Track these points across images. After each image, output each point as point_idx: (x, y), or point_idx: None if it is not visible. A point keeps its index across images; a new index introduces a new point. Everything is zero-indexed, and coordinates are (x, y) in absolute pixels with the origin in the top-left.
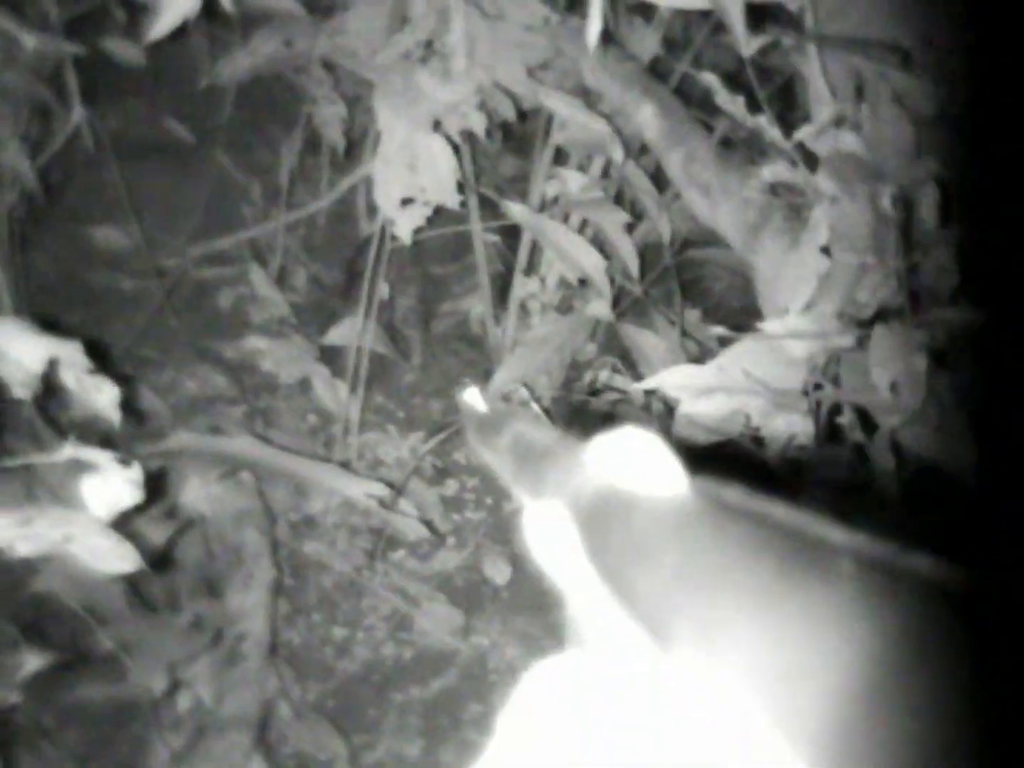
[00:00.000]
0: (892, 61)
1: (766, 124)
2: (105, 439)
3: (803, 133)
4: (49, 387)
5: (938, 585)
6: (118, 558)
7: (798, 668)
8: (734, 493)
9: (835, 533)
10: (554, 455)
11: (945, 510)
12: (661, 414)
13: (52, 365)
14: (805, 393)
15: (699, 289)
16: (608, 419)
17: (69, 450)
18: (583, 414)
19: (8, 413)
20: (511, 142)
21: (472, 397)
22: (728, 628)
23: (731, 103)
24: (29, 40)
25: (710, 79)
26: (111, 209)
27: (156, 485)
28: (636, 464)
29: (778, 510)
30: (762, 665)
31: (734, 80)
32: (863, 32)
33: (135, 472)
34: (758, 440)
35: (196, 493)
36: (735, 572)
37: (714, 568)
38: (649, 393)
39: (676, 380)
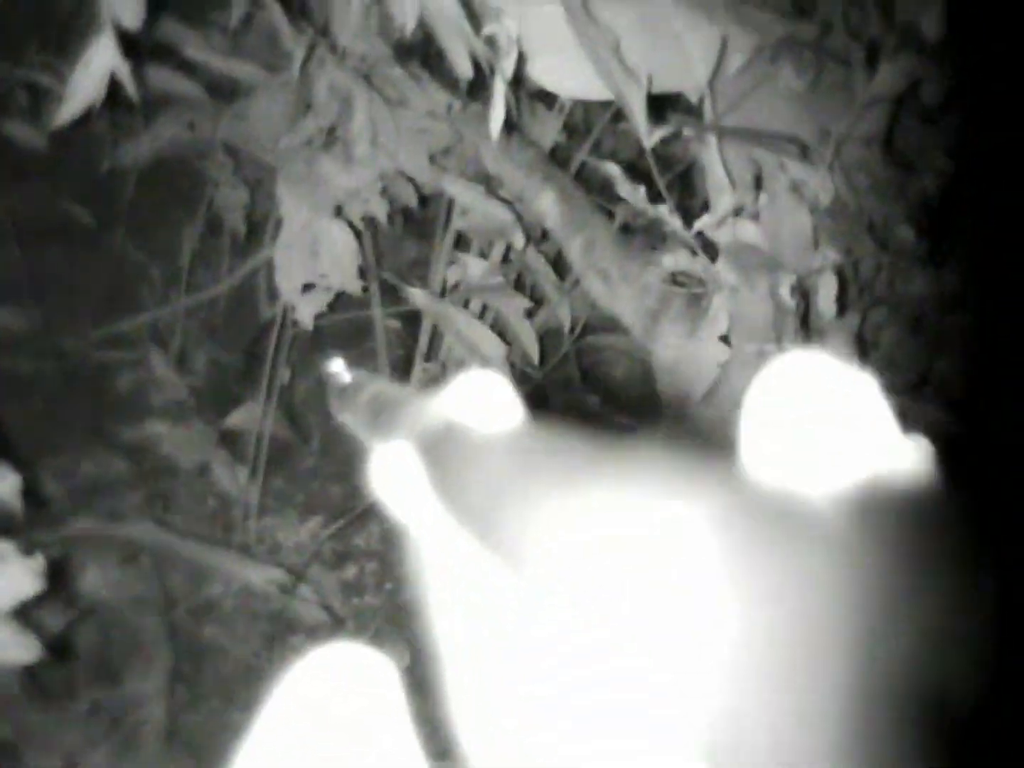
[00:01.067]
0: (791, 152)
1: (667, 214)
2: (2, 525)
3: (703, 223)
4: None
5: None
6: (18, 648)
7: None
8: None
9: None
10: (406, 404)
11: None
12: None
13: None
14: None
15: (598, 375)
16: None
17: None
18: None
19: None
20: (412, 226)
21: (337, 367)
22: (550, 534)
23: (632, 193)
24: None
25: (611, 169)
26: (10, 291)
27: (54, 571)
28: (479, 402)
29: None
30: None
31: (634, 167)
32: (762, 123)
33: (37, 562)
34: None
35: (94, 578)
36: (555, 479)
37: (538, 478)
38: None
39: None
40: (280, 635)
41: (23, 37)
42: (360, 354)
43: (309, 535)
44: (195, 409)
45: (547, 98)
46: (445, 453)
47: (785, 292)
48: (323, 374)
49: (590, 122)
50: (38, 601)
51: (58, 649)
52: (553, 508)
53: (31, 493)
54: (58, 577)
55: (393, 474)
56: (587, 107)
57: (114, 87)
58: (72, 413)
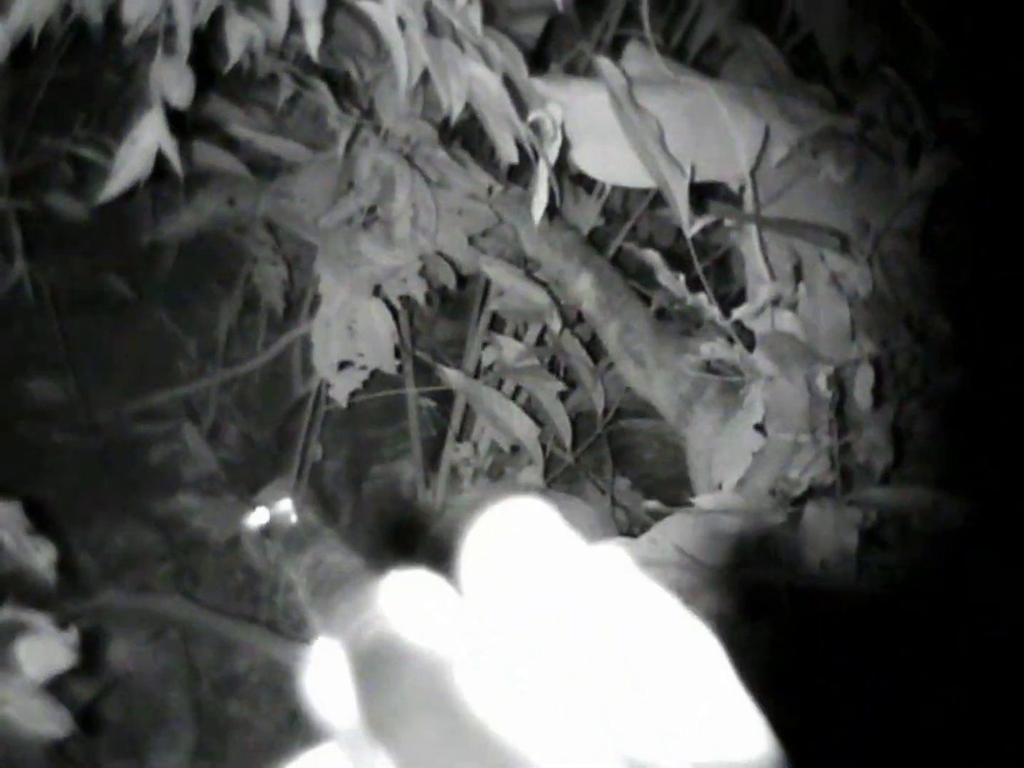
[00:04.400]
0: (830, 244)
1: (705, 303)
2: (35, 595)
3: (741, 312)
4: None
5: None
6: (52, 721)
7: None
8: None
9: None
10: (346, 587)
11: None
12: None
13: None
14: (735, 569)
15: (629, 458)
16: None
17: (7, 612)
18: None
19: None
20: (447, 306)
21: (282, 502)
22: None
23: (672, 281)
24: None
25: (651, 256)
26: (47, 362)
27: (84, 643)
28: (418, 609)
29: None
30: None
31: (670, 253)
32: (803, 214)
33: (71, 635)
34: None
35: (122, 651)
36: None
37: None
38: None
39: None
40: (304, 711)
41: (68, 111)
42: (394, 433)
43: None
44: (227, 483)
45: (586, 183)
46: (376, 673)
47: (821, 382)
48: (270, 512)
49: (628, 207)
50: (69, 673)
51: (84, 722)
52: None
53: (63, 565)
54: (86, 648)
55: (322, 677)
56: (625, 192)
57: (158, 162)
58: (104, 485)
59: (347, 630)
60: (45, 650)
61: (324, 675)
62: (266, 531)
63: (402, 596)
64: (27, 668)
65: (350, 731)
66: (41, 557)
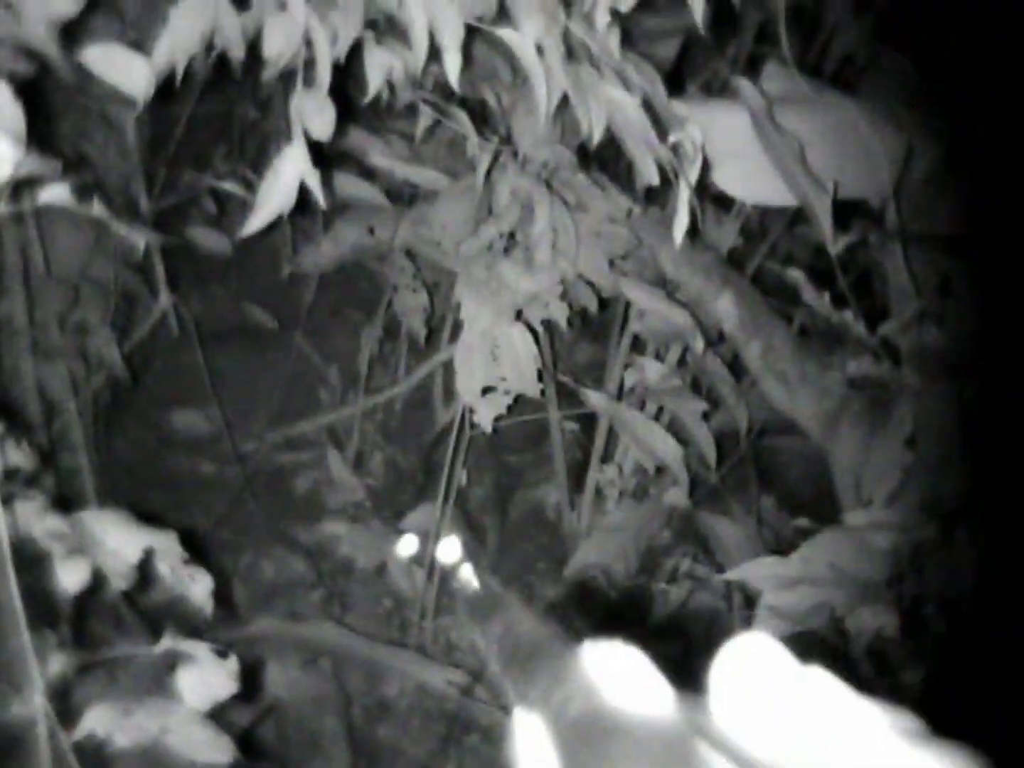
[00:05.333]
0: (975, 256)
1: (851, 319)
2: (192, 625)
3: (888, 328)
4: (142, 576)
5: None
6: (214, 750)
7: None
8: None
9: None
10: (542, 659)
11: None
12: (740, 605)
13: (147, 554)
14: (889, 585)
15: (774, 477)
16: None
17: (168, 641)
18: (661, 603)
19: (96, 603)
20: (588, 329)
21: (466, 576)
22: None
23: (816, 299)
24: (120, 230)
25: (795, 276)
26: (192, 393)
27: (241, 671)
28: (621, 683)
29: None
30: None
31: (811, 270)
32: (946, 228)
33: (231, 664)
34: (842, 632)
35: (275, 678)
36: None
37: None
38: (728, 582)
39: (760, 571)
40: (455, 736)
41: (209, 146)
42: (537, 458)
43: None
44: (372, 510)
45: (725, 202)
46: (585, 748)
47: (971, 396)
48: (450, 581)
49: (766, 226)
50: (227, 700)
51: (243, 748)
52: None
53: (216, 594)
54: (244, 677)
55: (531, 750)
56: (763, 212)
57: (300, 193)
58: (252, 514)
59: (550, 702)
60: (205, 679)
61: (530, 748)
62: (415, 559)
63: (602, 668)
64: (188, 697)
65: None
66: (198, 587)
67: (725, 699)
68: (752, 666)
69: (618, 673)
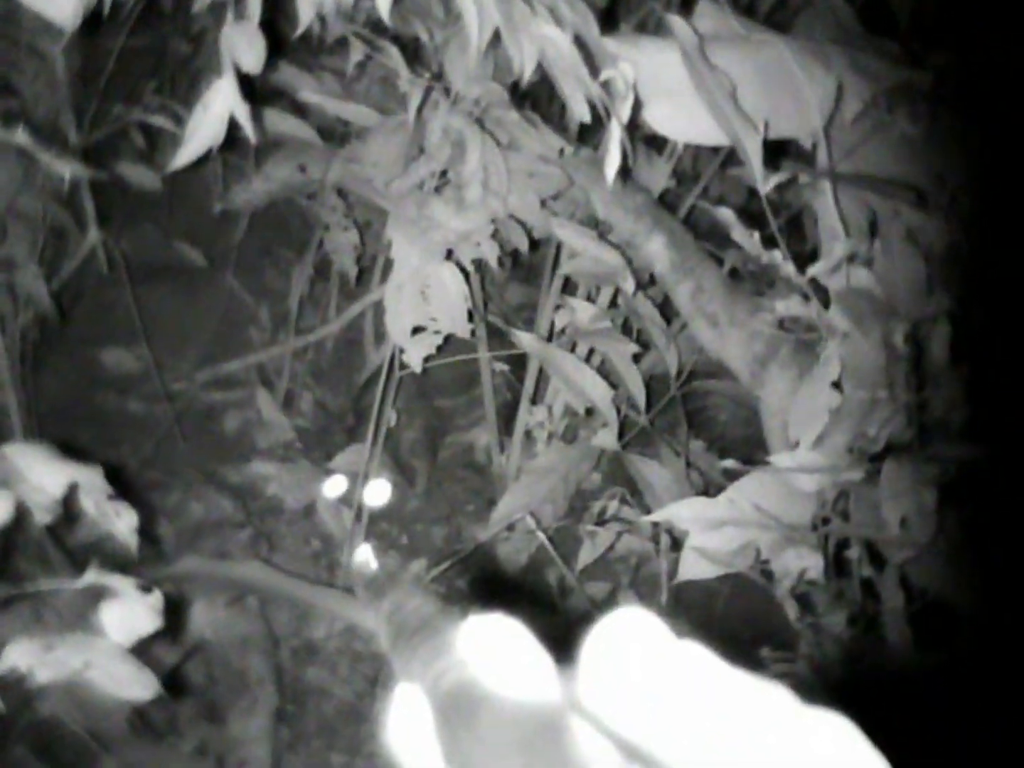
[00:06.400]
0: (905, 198)
1: (780, 260)
2: (117, 561)
3: (817, 269)
4: (66, 512)
5: None
6: (137, 685)
7: None
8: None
9: None
10: (425, 633)
11: (951, 645)
12: (667, 547)
13: (71, 490)
14: (814, 527)
15: (703, 420)
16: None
17: (92, 576)
18: (588, 545)
19: (20, 538)
20: (519, 269)
21: (364, 555)
22: None
23: (746, 239)
24: (48, 163)
25: (726, 214)
26: (121, 331)
27: (166, 609)
28: (498, 656)
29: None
30: None
31: (743, 212)
32: (876, 170)
33: (156, 599)
34: (767, 574)
35: (202, 617)
36: None
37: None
38: (656, 525)
39: (686, 513)
40: (383, 676)
41: (139, 80)
42: (467, 400)
43: (412, 576)
44: (301, 450)
45: (657, 143)
46: (459, 720)
47: (898, 339)
48: (352, 562)
49: (698, 167)
50: (151, 638)
51: (167, 687)
52: None
53: (143, 531)
54: (169, 615)
55: (406, 723)
56: (696, 152)
57: (230, 129)
58: (180, 453)
59: (428, 675)
60: (129, 614)
61: (407, 720)
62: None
63: (482, 641)
64: (111, 632)
65: None
66: (122, 523)
67: (598, 674)
68: (626, 640)
69: (497, 646)
